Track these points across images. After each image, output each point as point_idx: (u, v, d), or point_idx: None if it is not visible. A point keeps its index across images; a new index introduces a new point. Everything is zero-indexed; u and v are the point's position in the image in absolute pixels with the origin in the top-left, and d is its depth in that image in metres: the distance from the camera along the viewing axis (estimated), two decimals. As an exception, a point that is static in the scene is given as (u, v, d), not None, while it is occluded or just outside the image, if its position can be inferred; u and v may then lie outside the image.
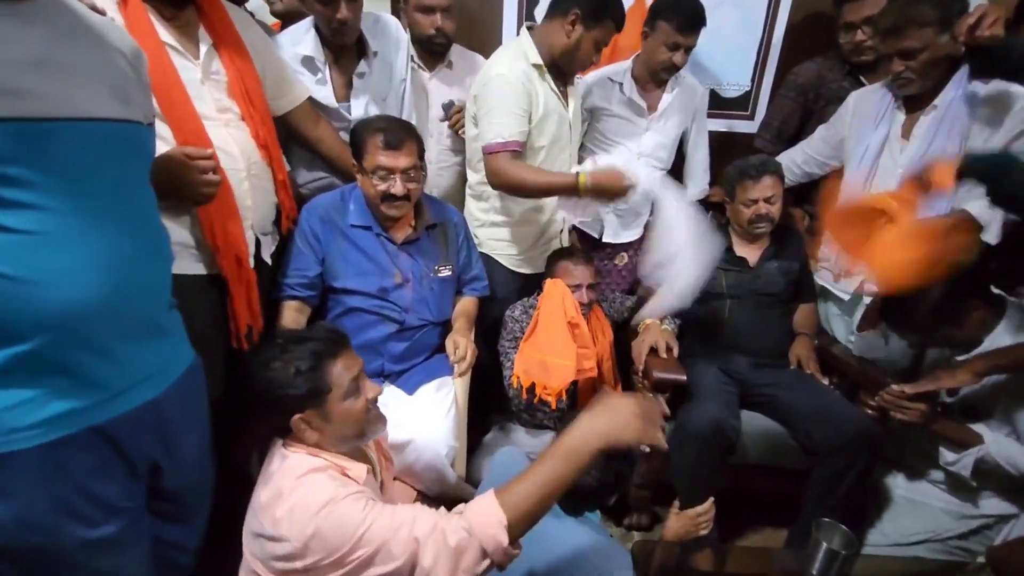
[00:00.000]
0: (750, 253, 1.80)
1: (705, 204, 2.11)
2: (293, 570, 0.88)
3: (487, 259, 1.75)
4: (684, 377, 1.57)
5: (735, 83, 2.18)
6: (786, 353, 1.77)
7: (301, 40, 1.54)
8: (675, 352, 1.65)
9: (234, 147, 1.20)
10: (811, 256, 1.84)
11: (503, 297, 1.77)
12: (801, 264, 1.83)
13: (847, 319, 1.80)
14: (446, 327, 1.61)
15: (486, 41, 2.02)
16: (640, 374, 1.66)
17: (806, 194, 2.00)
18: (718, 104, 2.19)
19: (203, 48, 1.17)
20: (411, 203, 1.46)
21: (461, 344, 1.52)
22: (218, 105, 1.18)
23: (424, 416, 1.44)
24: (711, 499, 1.26)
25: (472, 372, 1.57)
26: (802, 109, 1.95)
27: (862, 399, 1.61)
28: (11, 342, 0.73)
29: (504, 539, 0.82)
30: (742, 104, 2.21)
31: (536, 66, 1.55)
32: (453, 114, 1.82)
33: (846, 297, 1.78)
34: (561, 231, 1.87)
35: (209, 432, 1.08)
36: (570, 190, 1.50)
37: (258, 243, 1.31)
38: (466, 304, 1.67)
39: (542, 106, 1.56)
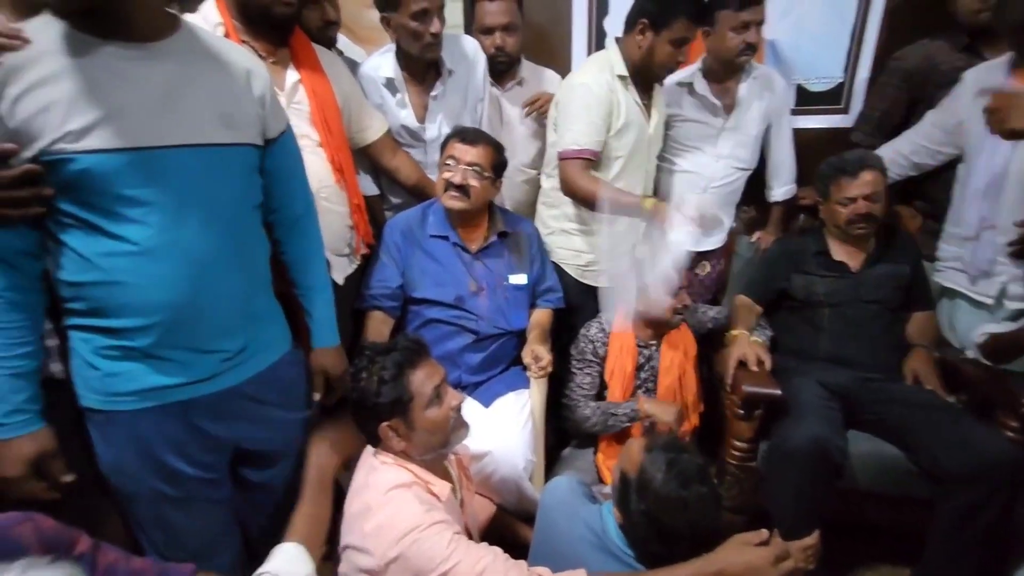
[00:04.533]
0: (851, 257, 1.65)
1: (794, 207, 1.97)
2: None
3: (556, 268, 1.73)
4: (779, 391, 1.44)
5: (825, 76, 2.03)
6: (898, 367, 1.58)
7: (382, 64, 1.63)
8: (767, 365, 1.53)
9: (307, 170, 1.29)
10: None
11: (571, 307, 1.74)
12: (912, 267, 1.64)
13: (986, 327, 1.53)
14: (521, 339, 1.61)
15: (556, 55, 2.03)
16: (729, 389, 1.56)
17: (915, 190, 1.80)
18: (806, 99, 2.04)
19: (289, 81, 1.29)
20: (471, 201, 1.47)
21: (541, 353, 1.50)
22: (297, 131, 1.26)
23: (501, 429, 1.43)
24: (816, 532, 1.14)
25: (548, 385, 1.54)
26: (908, 97, 1.76)
27: (1000, 419, 1.40)
28: (112, 331, 0.89)
29: None
30: (834, 98, 2.05)
31: (621, 77, 1.56)
32: (534, 101, 1.81)
33: (989, 301, 1.54)
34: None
35: (304, 420, 1.15)
36: (633, 212, 1.52)
37: (328, 264, 1.36)
38: (540, 316, 1.66)
39: (623, 116, 1.56)
